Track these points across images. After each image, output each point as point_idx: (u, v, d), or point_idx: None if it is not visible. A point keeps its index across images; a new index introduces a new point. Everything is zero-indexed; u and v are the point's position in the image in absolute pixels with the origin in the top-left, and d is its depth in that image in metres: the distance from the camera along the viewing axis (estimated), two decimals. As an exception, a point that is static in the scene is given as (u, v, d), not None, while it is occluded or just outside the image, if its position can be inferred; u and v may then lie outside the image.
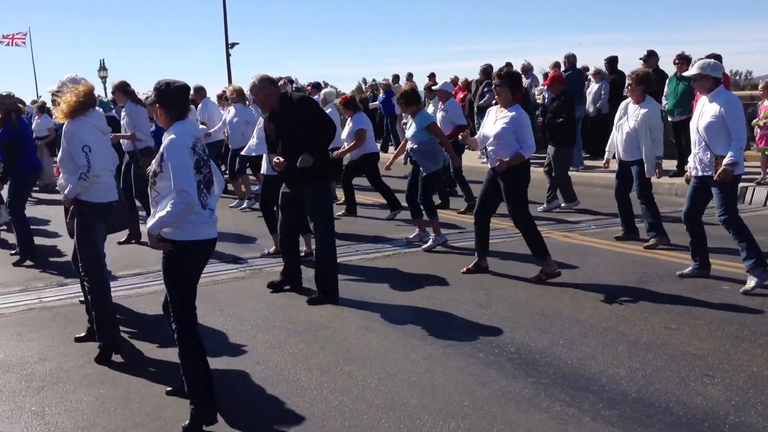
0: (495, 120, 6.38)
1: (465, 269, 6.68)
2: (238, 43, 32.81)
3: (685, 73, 6.61)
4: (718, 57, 10.59)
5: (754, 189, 9.81)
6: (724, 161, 5.73)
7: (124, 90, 8.90)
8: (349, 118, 9.57)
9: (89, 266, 5.04)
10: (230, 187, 11.30)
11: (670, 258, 6.93)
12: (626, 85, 7.49)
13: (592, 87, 13.58)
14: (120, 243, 8.52)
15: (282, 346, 5.04)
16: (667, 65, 11.87)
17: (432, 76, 17.62)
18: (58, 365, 4.91)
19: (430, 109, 11.34)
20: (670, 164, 11.69)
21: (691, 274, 6.25)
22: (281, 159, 6.00)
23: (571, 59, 13.31)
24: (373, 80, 20.29)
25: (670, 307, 5.51)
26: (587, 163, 12.98)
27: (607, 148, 7.87)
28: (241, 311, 5.91)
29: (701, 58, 7.07)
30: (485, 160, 12.77)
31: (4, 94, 8.36)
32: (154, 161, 3.90)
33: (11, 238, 9.68)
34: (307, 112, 5.95)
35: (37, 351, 5.22)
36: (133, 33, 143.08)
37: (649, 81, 7.47)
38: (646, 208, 7.40)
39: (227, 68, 31.78)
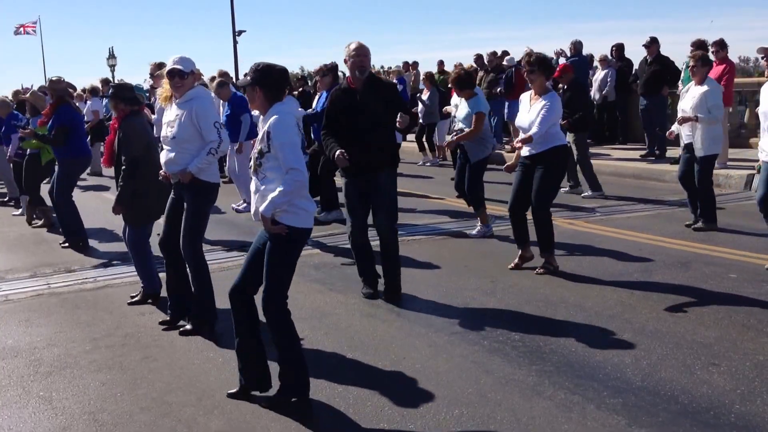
0: (530, 108, 6.18)
1: (512, 265, 6.38)
2: (245, 31, 32.70)
3: None
4: (722, 43, 10.51)
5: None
6: None
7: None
8: None
9: (195, 250, 5.08)
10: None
11: (676, 246, 6.91)
12: (689, 66, 7.49)
13: (599, 74, 13.51)
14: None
15: (287, 333, 5.05)
16: (673, 53, 11.79)
17: (415, 64, 17.72)
18: (65, 351, 4.94)
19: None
20: (674, 152, 11.64)
21: None
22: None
23: (577, 46, 13.24)
24: (381, 67, 20.25)
25: (676, 295, 5.49)
26: (593, 150, 12.90)
27: (674, 125, 7.80)
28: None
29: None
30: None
31: (54, 79, 8.30)
32: (259, 142, 3.83)
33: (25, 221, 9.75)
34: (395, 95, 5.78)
35: (45, 336, 5.25)
36: (142, 21, 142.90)
37: (710, 63, 7.54)
38: (703, 193, 7.44)
39: (234, 56, 31.73)
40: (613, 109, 13.99)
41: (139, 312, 5.69)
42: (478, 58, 15.51)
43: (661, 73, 12.00)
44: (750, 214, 8.20)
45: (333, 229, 8.35)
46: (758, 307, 5.17)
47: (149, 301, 5.88)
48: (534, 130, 5.99)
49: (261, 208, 3.77)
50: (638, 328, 4.85)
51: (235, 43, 31.71)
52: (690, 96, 7.37)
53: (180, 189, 5.13)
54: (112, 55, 39.11)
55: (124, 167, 5.53)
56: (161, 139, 5.26)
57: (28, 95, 9.77)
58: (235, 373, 4.39)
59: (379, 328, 5.10)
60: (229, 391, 4.08)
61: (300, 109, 4.15)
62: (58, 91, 8.12)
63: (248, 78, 3.87)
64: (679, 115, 7.56)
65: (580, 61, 13.06)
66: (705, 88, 7.24)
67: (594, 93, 13.37)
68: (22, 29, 42.44)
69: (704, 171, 7.37)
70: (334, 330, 5.10)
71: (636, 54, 12.83)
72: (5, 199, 11.76)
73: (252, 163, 3.88)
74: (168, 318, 5.34)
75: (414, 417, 3.74)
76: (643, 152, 12.48)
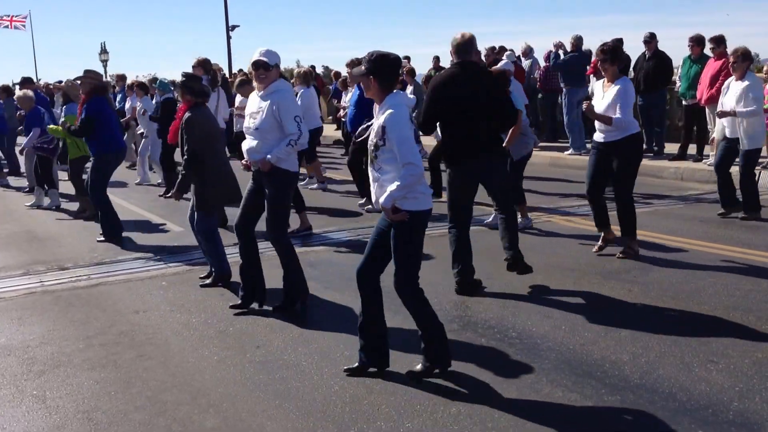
0: (603, 95, 6.33)
1: (596, 249, 6.60)
2: (238, 26, 32.77)
3: None
4: (720, 39, 10.47)
5: (760, 173, 9.70)
6: None
7: (206, 68, 8.94)
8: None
9: (281, 235, 5.34)
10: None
11: (674, 243, 6.89)
12: (730, 62, 7.61)
13: (596, 69, 13.44)
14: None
15: (282, 330, 5.03)
16: (672, 48, 11.75)
17: (407, 59, 17.55)
18: (59, 349, 4.90)
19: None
20: (672, 148, 11.61)
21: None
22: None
23: (577, 41, 13.19)
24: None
25: (674, 292, 5.47)
26: (589, 146, 12.88)
27: (715, 129, 8.10)
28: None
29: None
30: None
31: (91, 71, 8.31)
32: (374, 135, 3.97)
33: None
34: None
35: (38, 335, 5.21)
36: (134, 16, 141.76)
37: (751, 58, 7.76)
38: (746, 184, 7.62)
39: (227, 51, 31.66)
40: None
41: (133, 310, 5.66)
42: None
43: (659, 68, 11.95)
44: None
45: (330, 225, 8.30)
46: (757, 304, 5.15)
47: (219, 284, 6.07)
48: (617, 115, 6.12)
49: (381, 199, 3.95)
50: (636, 325, 4.82)
51: (228, 38, 31.66)
52: (732, 92, 7.47)
53: (260, 177, 5.31)
54: (104, 50, 38.91)
55: (185, 157, 5.81)
56: (244, 129, 5.47)
57: (62, 83, 9.93)
58: (230, 371, 4.38)
59: (376, 325, 5.07)
60: (346, 367, 4.25)
61: (412, 96, 4.24)
62: (93, 83, 8.10)
63: (362, 68, 3.99)
64: (719, 109, 7.71)
65: (579, 57, 13.03)
66: (746, 82, 7.34)
67: (591, 88, 13.31)
68: (9, 22, 41.97)
69: (748, 164, 7.55)
70: (329, 329, 5.06)
71: (635, 50, 12.77)
72: (26, 190, 11.81)
73: (369, 154, 4.06)
74: (239, 302, 5.51)
75: (411, 415, 3.71)
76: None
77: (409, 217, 3.93)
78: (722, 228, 7.44)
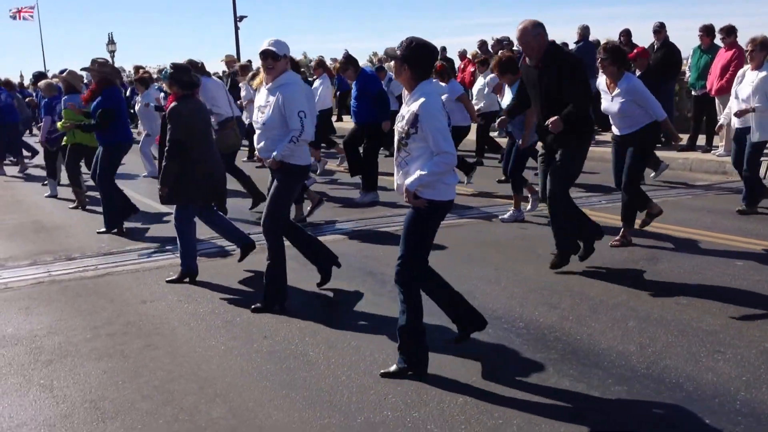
0: (612, 98, 6.29)
1: (639, 225, 6.70)
2: (246, 16, 32.64)
3: None
4: (730, 29, 10.39)
5: (768, 165, 9.66)
6: None
7: (198, 68, 9.04)
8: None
9: (276, 227, 5.21)
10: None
11: (681, 233, 6.86)
12: (747, 51, 7.46)
13: (605, 60, 13.35)
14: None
15: (289, 320, 5.03)
16: (680, 39, 11.66)
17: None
18: (66, 339, 4.92)
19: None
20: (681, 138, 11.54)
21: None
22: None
23: (584, 31, 13.12)
24: (374, 54, 20.07)
25: (681, 282, 5.45)
26: (598, 137, 12.81)
27: (723, 115, 8.02)
28: (248, 285, 5.91)
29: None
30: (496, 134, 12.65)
31: (101, 61, 8.10)
32: (404, 123, 3.87)
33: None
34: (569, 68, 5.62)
35: (45, 324, 5.23)
36: (141, 6, 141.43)
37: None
38: (750, 177, 7.48)
39: (235, 42, 31.61)
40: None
41: (141, 300, 5.67)
42: (483, 44, 15.40)
43: (667, 59, 11.88)
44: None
45: (336, 216, 8.29)
46: (764, 294, 5.12)
47: (186, 280, 5.98)
48: (658, 116, 6.14)
49: (407, 182, 3.87)
50: (643, 315, 4.81)
51: (236, 29, 31.58)
52: (747, 82, 7.30)
53: (272, 171, 5.28)
54: (111, 41, 38.88)
55: (166, 148, 5.65)
56: (254, 123, 5.38)
57: (65, 74, 9.52)
58: (237, 361, 4.38)
59: (382, 316, 5.07)
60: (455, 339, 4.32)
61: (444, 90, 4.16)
62: (104, 73, 7.94)
63: (398, 52, 3.88)
64: (732, 100, 7.58)
65: (585, 47, 12.95)
66: (763, 73, 7.17)
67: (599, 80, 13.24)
68: (18, 14, 42.13)
69: (754, 155, 7.40)
70: (337, 318, 5.07)
71: (643, 41, 12.67)
72: (45, 182, 11.85)
73: (396, 139, 3.97)
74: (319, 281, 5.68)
75: (418, 404, 3.71)
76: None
77: (428, 205, 3.89)
78: (730, 219, 7.40)
